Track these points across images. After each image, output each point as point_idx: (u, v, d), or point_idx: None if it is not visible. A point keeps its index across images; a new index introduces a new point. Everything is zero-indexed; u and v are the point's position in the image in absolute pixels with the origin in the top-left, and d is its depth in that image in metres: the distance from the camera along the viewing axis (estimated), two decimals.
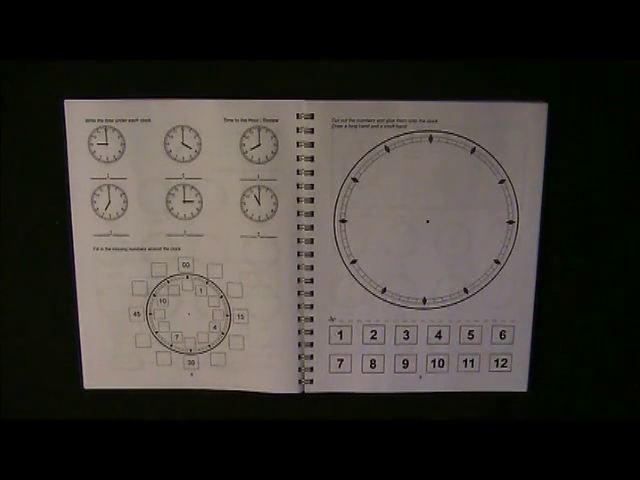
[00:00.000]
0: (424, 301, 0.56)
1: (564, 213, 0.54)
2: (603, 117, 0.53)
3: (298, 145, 0.53)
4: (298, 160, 0.53)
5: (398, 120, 0.52)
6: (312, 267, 0.55)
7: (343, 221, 0.54)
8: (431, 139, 0.53)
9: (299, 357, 0.57)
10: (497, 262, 0.54)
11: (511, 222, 0.54)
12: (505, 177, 0.53)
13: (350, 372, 0.57)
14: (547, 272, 0.55)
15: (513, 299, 0.55)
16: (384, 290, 0.56)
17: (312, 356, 0.57)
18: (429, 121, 0.52)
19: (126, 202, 0.54)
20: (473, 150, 0.53)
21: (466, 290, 0.55)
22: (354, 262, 0.55)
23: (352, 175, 0.53)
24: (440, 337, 0.56)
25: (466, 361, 0.56)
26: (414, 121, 0.52)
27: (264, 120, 0.53)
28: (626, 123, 0.53)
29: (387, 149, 0.53)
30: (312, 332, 0.56)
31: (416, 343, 0.56)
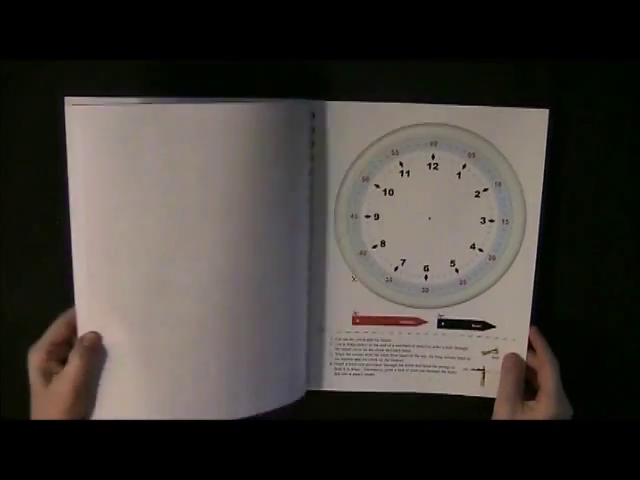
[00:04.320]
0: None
1: (564, 218, 0.55)
2: (604, 122, 0.54)
3: None
4: None
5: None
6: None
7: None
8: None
9: None
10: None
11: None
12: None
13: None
14: (546, 275, 0.55)
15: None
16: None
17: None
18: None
19: None
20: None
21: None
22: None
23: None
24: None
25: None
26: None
27: None
28: (627, 128, 0.54)
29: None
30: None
31: None
